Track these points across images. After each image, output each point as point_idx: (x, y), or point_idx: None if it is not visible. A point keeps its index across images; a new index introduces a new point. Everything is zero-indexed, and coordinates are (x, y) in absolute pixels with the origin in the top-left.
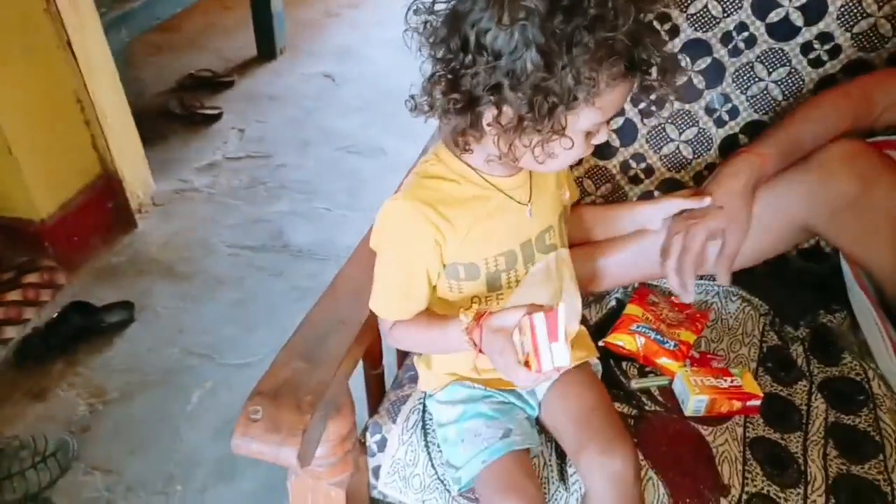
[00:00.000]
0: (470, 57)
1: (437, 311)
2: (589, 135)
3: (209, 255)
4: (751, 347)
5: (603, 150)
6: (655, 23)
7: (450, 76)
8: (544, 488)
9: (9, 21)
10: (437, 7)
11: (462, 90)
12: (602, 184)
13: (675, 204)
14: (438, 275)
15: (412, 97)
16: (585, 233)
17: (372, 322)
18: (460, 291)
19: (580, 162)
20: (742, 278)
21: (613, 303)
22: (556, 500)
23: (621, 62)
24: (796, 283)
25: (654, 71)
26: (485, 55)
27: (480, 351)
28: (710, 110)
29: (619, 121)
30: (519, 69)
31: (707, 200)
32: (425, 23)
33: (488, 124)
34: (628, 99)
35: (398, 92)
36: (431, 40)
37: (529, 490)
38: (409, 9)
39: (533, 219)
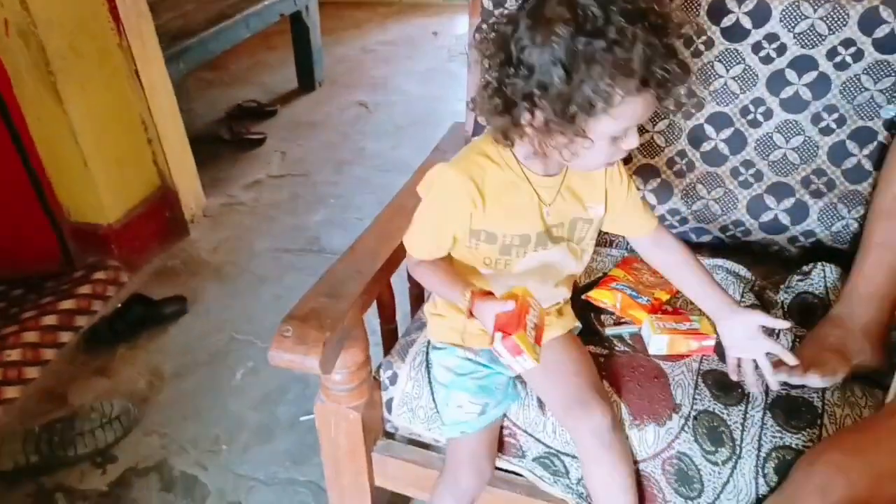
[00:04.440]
0: (511, 69)
1: (455, 259)
2: (616, 140)
3: (253, 258)
4: None
5: None
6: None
7: (495, 84)
8: (525, 414)
9: (90, 54)
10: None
11: (503, 96)
12: None
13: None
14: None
15: (473, 100)
16: (667, 271)
17: (383, 272)
18: (477, 249)
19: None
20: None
21: (601, 274)
22: (534, 422)
23: (635, 79)
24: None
25: (669, 86)
26: (522, 69)
27: (472, 315)
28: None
29: None
30: (547, 81)
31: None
32: (482, 40)
33: (524, 126)
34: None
35: (426, 117)
36: (487, 54)
37: (486, 466)
38: (474, 29)
39: (549, 217)
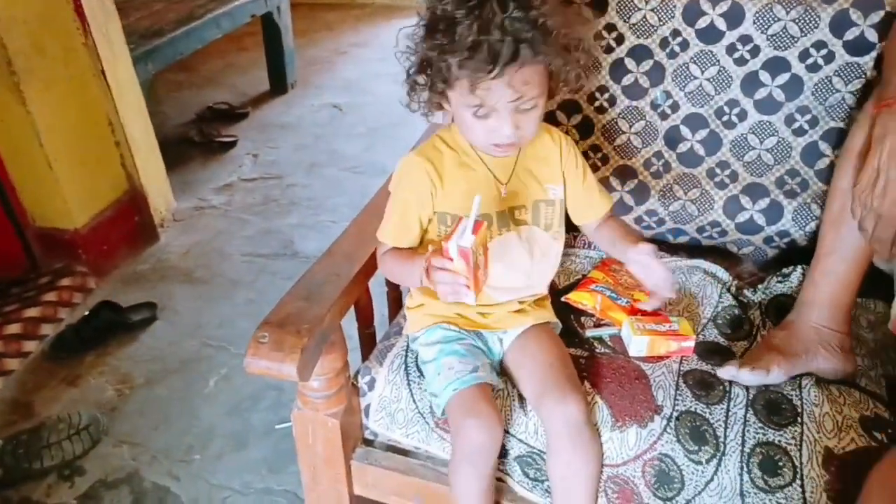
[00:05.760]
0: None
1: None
2: (482, 120)
3: (225, 261)
4: (706, 307)
5: None
6: (604, 32)
7: (408, 67)
8: (507, 413)
9: (54, 53)
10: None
11: (410, 73)
12: None
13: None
14: (430, 220)
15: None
16: (608, 248)
17: (361, 276)
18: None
19: None
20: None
21: (580, 276)
22: (516, 422)
23: (482, 70)
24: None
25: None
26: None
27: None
28: (654, 106)
29: (578, 118)
30: (420, 62)
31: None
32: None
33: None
34: (584, 98)
35: (398, 119)
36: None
37: (491, 415)
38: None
39: (508, 196)
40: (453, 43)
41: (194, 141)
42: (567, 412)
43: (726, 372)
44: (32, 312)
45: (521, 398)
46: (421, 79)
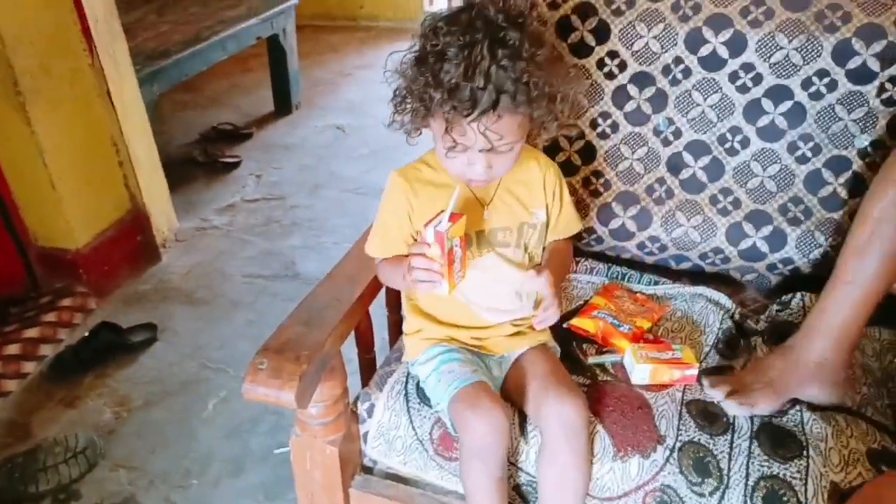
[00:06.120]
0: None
1: None
2: (462, 155)
3: (226, 282)
4: (708, 335)
5: (567, 168)
6: (606, 59)
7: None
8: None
9: (60, 73)
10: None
11: (395, 94)
12: None
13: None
14: (415, 238)
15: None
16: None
17: (363, 300)
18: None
19: None
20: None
21: (581, 303)
22: (518, 451)
23: (460, 112)
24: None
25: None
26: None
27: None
28: (657, 132)
29: (580, 143)
30: (405, 88)
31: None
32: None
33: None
34: (587, 124)
35: (401, 141)
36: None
37: (494, 407)
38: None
39: (490, 218)
40: (437, 79)
41: (198, 161)
42: (564, 412)
43: (713, 393)
44: (32, 333)
45: (522, 426)
46: (405, 103)
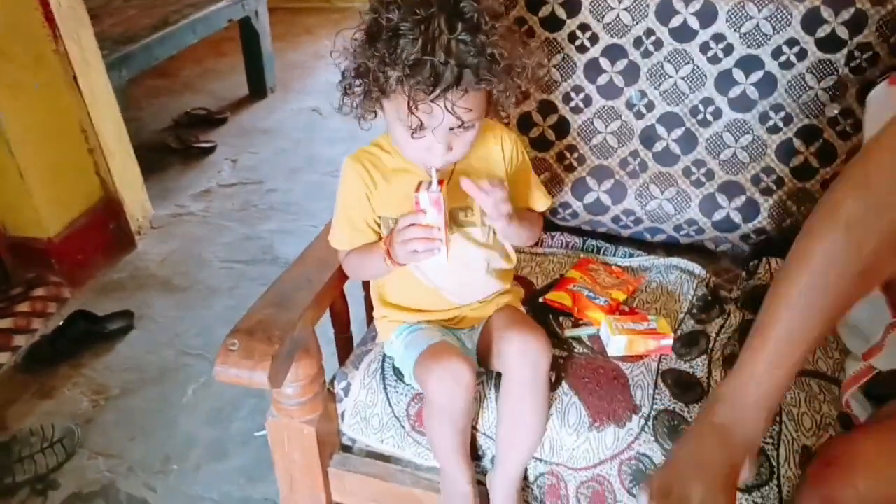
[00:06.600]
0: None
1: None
2: (416, 139)
3: (204, 268)
4: (682, 303)
5: (541, 144)
6: (577, 32)
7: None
8: (482, 403)
9: (24, 60)
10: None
11: (345, 76)
12: (541, 172)
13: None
14: (378, 224)
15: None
16: None
17: (336, 280)
18: None
19: None
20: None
21: (557, 276)
22: (494, 425)
23: (423, 90)
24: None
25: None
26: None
27: (391, 257)
28: (630, 105)
29: (554, 118)
30: (355, 69)
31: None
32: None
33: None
34: (560, 98)
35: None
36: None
37: (457, 362)
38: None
39: (451, 197)
40: (394, 56)
41: (172, 147)
42: (529, 354)
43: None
44: (5, 323)
45: (497, 387)
46: (357, 84)
